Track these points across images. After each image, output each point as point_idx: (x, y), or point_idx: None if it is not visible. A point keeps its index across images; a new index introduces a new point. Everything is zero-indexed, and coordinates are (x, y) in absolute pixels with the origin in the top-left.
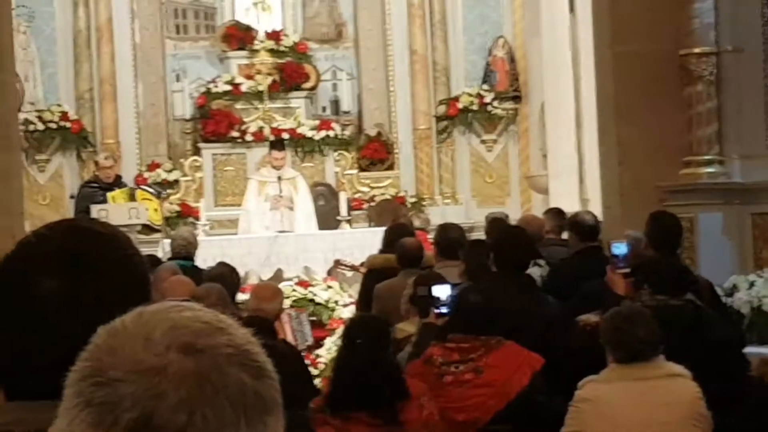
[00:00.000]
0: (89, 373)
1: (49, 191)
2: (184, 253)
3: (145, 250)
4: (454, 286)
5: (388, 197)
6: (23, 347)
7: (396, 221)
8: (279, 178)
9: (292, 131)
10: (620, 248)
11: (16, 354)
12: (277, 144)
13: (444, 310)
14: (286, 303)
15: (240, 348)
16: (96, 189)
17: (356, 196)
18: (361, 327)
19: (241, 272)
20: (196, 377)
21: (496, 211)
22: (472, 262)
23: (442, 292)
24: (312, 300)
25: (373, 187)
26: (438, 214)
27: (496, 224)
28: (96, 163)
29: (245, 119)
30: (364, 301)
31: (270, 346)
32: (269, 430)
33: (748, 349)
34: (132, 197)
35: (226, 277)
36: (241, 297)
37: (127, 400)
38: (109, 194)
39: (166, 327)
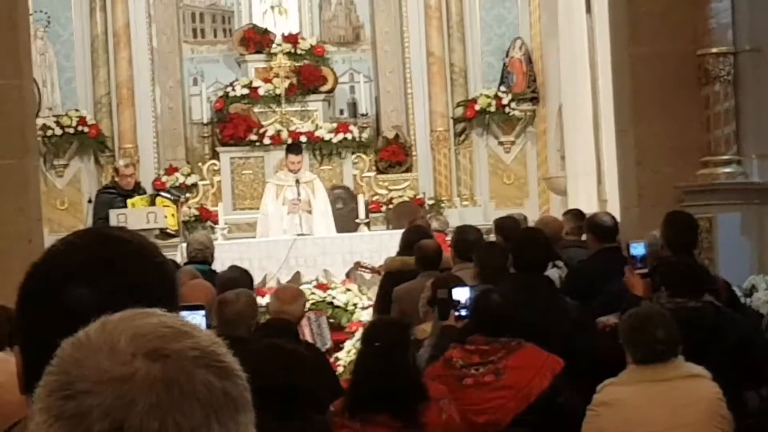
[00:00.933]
0: (57, 387)
1: (67, 196)
2: (201, 257)
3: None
4: (471, 288)
5: (406, 199)
6: (53, 355)
7: (414, 223)
8: (297, 182)
9: (309, 134)
10: (638, 249)
11: (47, 362)
12: (294, 148)
13: (464, 312)
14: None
15: (205, 350)
16: (115, 195)
17: (374, 198)
18: (380, 330)
19: (260, 276)
20: (164, 382)
21: (515, 212)
22: (483, 264)
23: (462, 294)
24: (331, 303)
25: (391, 190)
26: (456, 216)
27: (503, 223)
28: (116, 170)
29: (263, 123)
30: (382, 303)
31: (294, 349)
32: (241, 428)
33: None
34: (152, 204)
35: (239, 280)
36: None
37: (97, 411)
38: (129, 201)
39: (130, 334)
